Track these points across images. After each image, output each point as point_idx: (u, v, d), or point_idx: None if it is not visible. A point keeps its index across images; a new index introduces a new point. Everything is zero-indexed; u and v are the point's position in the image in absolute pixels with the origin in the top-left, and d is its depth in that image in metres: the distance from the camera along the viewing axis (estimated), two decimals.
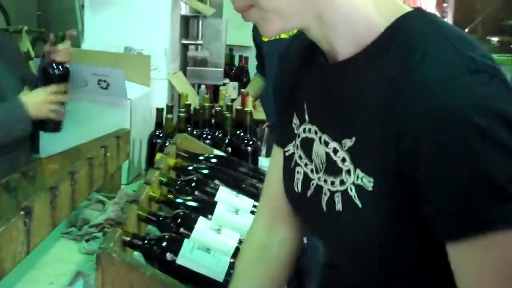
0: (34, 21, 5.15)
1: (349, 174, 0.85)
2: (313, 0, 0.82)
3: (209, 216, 1.51)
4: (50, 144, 2.28)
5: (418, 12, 0.83)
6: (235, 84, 3.90)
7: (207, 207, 1.53)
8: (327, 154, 0.89)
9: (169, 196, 1.54)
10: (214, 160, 1.92)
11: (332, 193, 0.88)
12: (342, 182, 0.86)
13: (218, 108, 2.42)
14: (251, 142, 2.30)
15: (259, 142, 2.55)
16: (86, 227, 1.82)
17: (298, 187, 0.97)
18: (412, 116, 0.75)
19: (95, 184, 1.77)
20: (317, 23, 0.84)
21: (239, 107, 2.44)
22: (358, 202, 0.83)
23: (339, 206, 0.86)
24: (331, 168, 0.88)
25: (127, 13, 2.65)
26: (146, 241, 1.26)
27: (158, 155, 1.80)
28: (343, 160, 0.86)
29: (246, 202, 1.65)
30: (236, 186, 1.74)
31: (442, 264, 0.78)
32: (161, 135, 2.31)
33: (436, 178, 0.74)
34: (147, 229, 1.51)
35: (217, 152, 2.06)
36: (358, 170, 0.83)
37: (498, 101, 0.72)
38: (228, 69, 3.99)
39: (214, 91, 3.58)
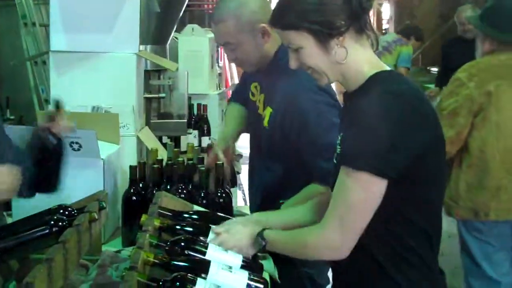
0: None
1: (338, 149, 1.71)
2: (340, 69, 1.66)
3: (203, 275, 1.55)
4: (22, 206, 2.25)
5: (384, 72, 1.67)
6: (195, 132, 3.93)
7: (201, 266, 1.57)
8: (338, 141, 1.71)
9: (162, 258, 1.57)
10: (196, 216, 1.96)
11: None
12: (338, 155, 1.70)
13: (190, 162, 2.47)
14: (224, 195, 2.33)
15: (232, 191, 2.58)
16: None
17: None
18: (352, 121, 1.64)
19: (83, 250, 1.78)
20: (341, 78, 1.69)
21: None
22: (335, 162, 1.71)
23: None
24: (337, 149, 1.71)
25: (93, 73, 2.68)
26: None
27: (144, 217, 1.82)
28: (339, 142, 1.70)
29: (236, 258, 1.71)
30: None
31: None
32: (136, 192, 2.33)
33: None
34: None
35: (196, 207, 2.10)
36: (338, 146, 1.70)
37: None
38: (188, 118, 4.02)
39: (176, 140, 3.60)
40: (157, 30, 3.06)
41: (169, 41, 3.30)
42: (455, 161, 3.08)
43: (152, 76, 3.19)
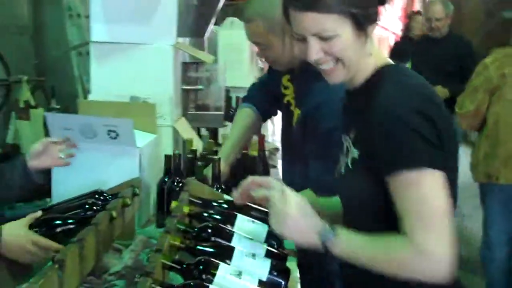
0: (31, 70, 5.24)
1: (349, 151, 1.60)
2: (360, 62, 1.56)
3: (227, 261, 1.59)
4: (62, 192, 2.33)
5: (393, 66, 1.61)
6: None
7: (226, 253, 1.61)
8: (346, 143, 1.64)
9: (189, 243, 1.62)
10: (226, 206, 2.01)
11: (342, 164, 1.65)
12: (347, 157, 1.61)
13: None
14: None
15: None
16: (106, 276, 1.89)
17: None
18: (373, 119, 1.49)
19: (115, 234, 1.84)
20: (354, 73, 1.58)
21: (244, 151, 2.52)
22: (350, 166, 1.59)
23: (343, 171, 1.64)
24: (345, 151, 1.63)
25: (132, 63, 2.75)
26: None
27: (174, 203, 1.87)
28: (348, 144, 1.61)
29: (260, 246, 1.74)
30: None
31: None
32: (170, 181, 2.39)
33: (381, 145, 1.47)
34: (169, 276, 1.58)
35: (227, 197, 2.14)
36: (352, 148, 1.58)
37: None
38: (226, 110, 4.07)
39: (213, 132, 3.66)
40: (195, 23, 3.12)
41: (207, 34, 3.35)
42: (479, 133, 3.75)
43: (190, 68, 3.24)
